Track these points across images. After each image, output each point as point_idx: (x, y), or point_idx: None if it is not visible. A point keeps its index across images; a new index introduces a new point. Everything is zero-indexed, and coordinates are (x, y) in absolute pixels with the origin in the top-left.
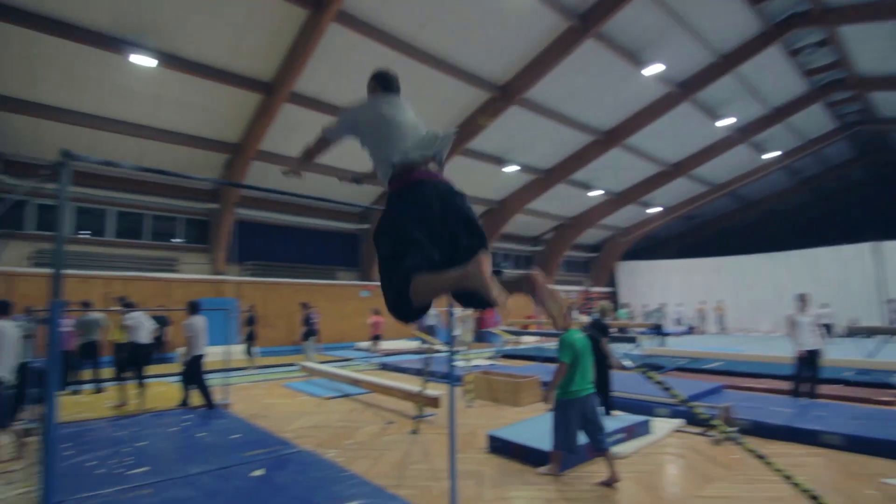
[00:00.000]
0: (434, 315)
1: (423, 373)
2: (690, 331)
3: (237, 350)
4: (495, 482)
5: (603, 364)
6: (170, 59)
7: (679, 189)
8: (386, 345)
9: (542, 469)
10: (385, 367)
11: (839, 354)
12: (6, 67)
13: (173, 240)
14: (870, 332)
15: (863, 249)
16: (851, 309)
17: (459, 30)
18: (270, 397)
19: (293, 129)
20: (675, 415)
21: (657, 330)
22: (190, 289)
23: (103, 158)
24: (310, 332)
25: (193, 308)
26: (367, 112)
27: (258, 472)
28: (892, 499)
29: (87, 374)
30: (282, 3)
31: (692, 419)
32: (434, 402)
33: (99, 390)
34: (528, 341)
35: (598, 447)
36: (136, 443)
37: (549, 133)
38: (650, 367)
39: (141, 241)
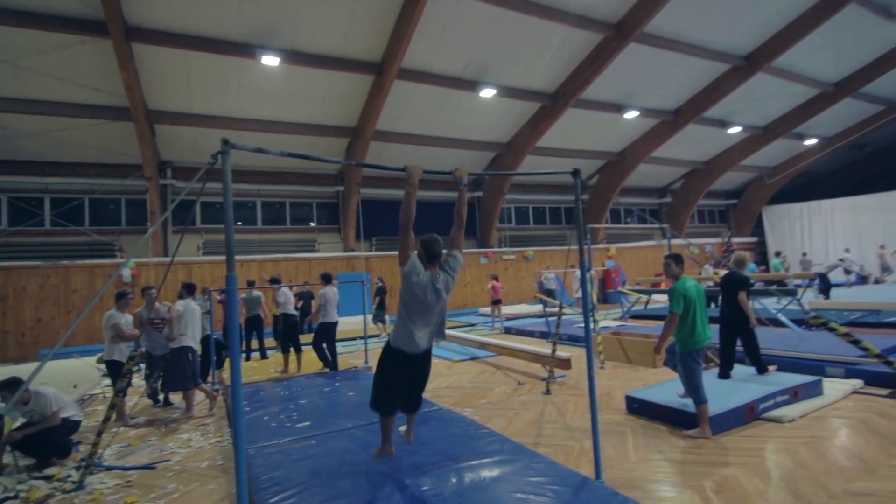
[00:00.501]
0: (553, 278)
1: (548, 335)
2: (864, 280)
3: (369, 319)
4: (637, 444)
5: (743, 322)
6: (291, 55)
7: (844, 113)
8: (508, 309)
9: (692, 432)
10: (508, 330)
11: None
12: (166, 86)
13: (310, 223)
14: None
15: None
16: None
17: None
18: None
19: (405, 106)
20: (850, 374)
21: (821, 280)
22: (327, 265)
23: (255, 146)
24: None
25: (326, 279)
26: (411, 277)
27: (404, 427)
28: None
29: (253, 343)
30: None
31: (872, 379)
32: (565, 363)
33: (264, 357)
34: (659, 300)
35: None
36: (298, 401)
37: (676, 68)
38: (805, 322)
39: (284, 227)
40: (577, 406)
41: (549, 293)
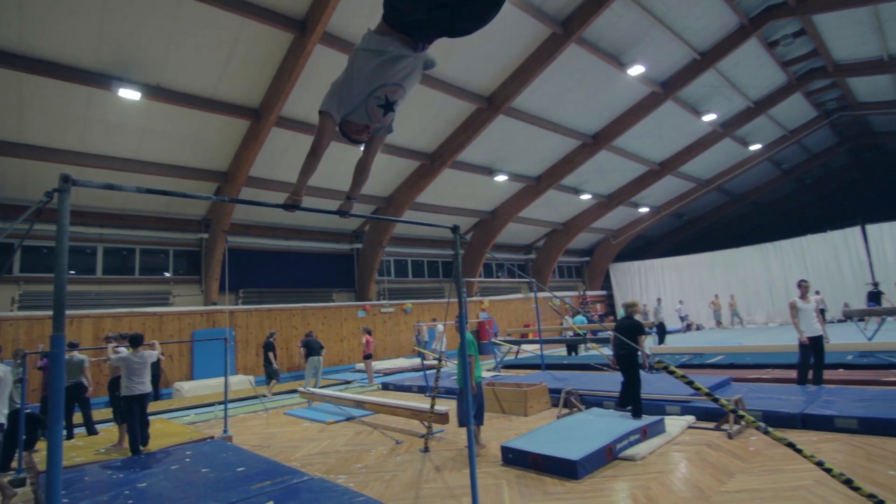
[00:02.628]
0: (435, 329)
1: (426, 390)
2: (688, 328)
3: (234, 381)
4: (513, 496)
5: (633, 365)
6: (155, 91)
7: (667, 187)
8: (386, 364)
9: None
10: (386, 386)
11: (837, 339)
12: None
13: (165, 273)
14: (864, 315)
15: (851, 234)
16: (843, 294)
17: (444, 44)
18: (272, 426)
19: (283, 153)
20: (685, 412)
21: (659, 329)
22: (183, 321)
23: (104, 182)
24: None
25: (135, 342)
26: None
27: None
28: None
29: (76, 417)
30: (268, 28)
31: (702, 415)
32: (443, 418)
33: (92, 432)
34: (529, 350)
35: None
36: (136, 484)
37: (537, 140)
38: (651, 366)
39: (132, 277)
40: (456, 462)
41: (425, 346)
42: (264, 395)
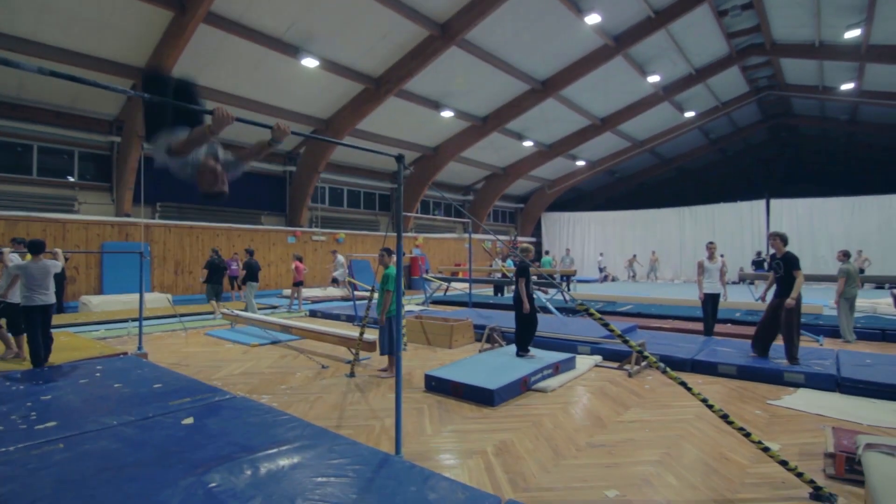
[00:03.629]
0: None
1: (358, 319)
2: (605, 279)
3: (150, 298)
4: (433, 418)
5: (516, 304)
6: None
7: (605, 144)
8: (314, 292)
9: (383, 373)
10: (314, 314)
11: (731, 299)
12: None
13: (69, 177)
14: (754, 279)
15: (757, 206)
16: (741, 260)
17: None
18: (191, 346)
19: (211, 56)
20: (594, 351)
21: (568, 277)
22: (90, 231)
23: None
24: (248, 278)
25: (35, 248)
26: None
27: (188, 420)
28: (776, 416)
29: None
30: None
31: (609, 356)
32: (371, 346)
33: None
34: (458, 288)
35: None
36: (40, 397)
37: (488, 79)
38: (569, 311)
39: (28, 177)
40: (380, 387)
41: (334, 280)
42: (199, 314)
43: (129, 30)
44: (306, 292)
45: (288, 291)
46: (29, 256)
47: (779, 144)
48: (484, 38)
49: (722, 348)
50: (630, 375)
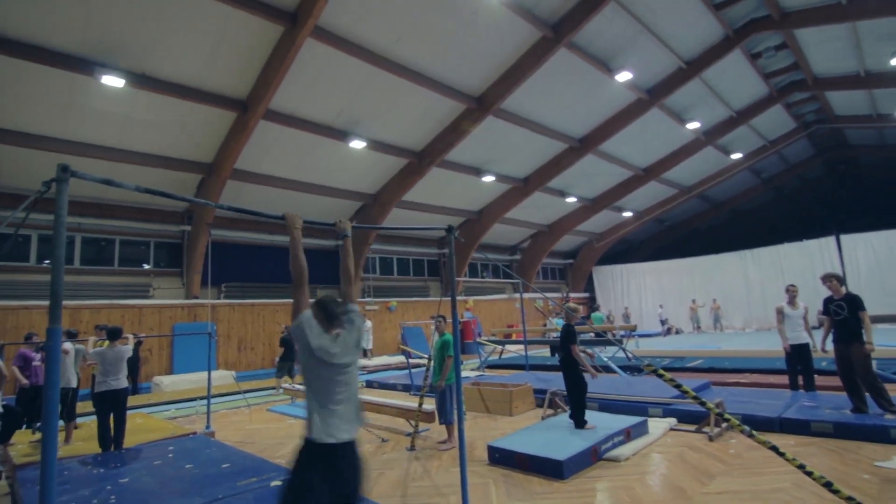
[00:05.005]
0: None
1: (410, 388)
2: (668, 332)
3: (216, 376)
4: (500, 494)
5: (573, 372)
6: (140, 79)
7: (650, 193)
8: (369, 361)
9: (443, 445)
10: (370, 384)
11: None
12: None
13: (145, 265)
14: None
15: (826, 244)
16: (817, 302)
17: (435, 43)
18: (255, 423)
19: (269, 147)
20: (666, 413)
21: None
22: (163, 314)
23: (87, 173)
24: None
25: (113, 335)
26: (307, 334)
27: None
28: (888, 481)
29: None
30: (257, 19)
31: (684, 417)
32: (429, 416)
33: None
34: (513, 350)
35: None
36: (118, 479)
37: (525, 142)
38: (634, 368)
39: (111, 268)
40: (442, 461)
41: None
42: (257, 390)
43: (198, 131)
44: (362, 361)
45: None
46: (106, 343)
47: (838, 177)
48: (518, 105)
49: (812, 403)
50: (711, 439)
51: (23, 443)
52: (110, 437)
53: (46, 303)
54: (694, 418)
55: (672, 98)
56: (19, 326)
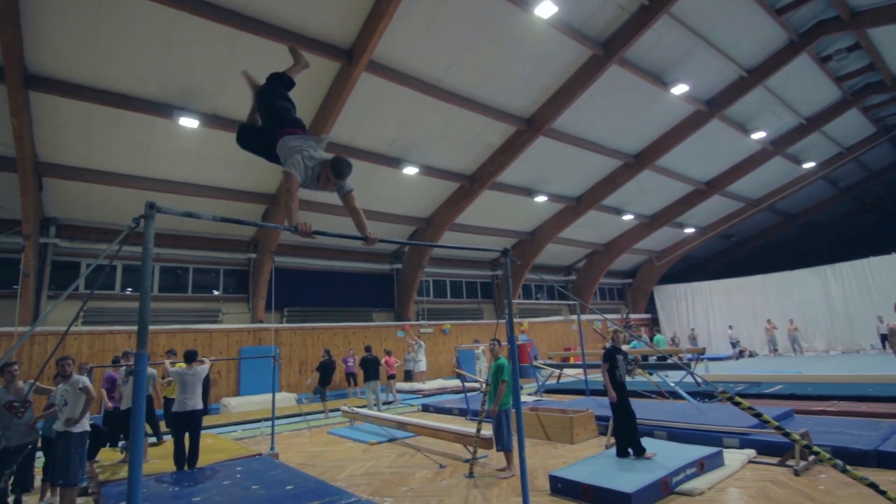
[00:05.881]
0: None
1: (467, 412)
2: (741, 354)
3: (279, 398)
4: None
5: (618, 397)
6: (212, 119)
7: (714, 207)
8: (424, 385)
9: (502, 472)
10: (426, 408)
11: None
12: (63, 137)
13: (215, 291)
14: None
15: None
16: None
17: (484, 68)
18: (316, 445)
19: None
20: (744, 444)
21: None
22: (231, 338)
23: (184, 210)
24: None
25: (187, 357)
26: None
27: None
28: None
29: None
30: (317, 58)
31: (763, 448)
32: (487, 442)
33: (158, 442)
34: (571, 374)
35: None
36: (192, 498)
37: (578, 160)
38: (704, 395)
39: (185, 295)
40: (502, 489)
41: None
42: (318, 413)
43: (262, 164)
44: (417, 386)
45: (402, 385)
46: (182, 364)
47: None
48: (570, 125)
49: None
50: (797, 473)
51: (108, 460)
52: (185, 456)
53: (130, 328)
54: (776, 450)
55: (734, 108)
56: (105, 349)
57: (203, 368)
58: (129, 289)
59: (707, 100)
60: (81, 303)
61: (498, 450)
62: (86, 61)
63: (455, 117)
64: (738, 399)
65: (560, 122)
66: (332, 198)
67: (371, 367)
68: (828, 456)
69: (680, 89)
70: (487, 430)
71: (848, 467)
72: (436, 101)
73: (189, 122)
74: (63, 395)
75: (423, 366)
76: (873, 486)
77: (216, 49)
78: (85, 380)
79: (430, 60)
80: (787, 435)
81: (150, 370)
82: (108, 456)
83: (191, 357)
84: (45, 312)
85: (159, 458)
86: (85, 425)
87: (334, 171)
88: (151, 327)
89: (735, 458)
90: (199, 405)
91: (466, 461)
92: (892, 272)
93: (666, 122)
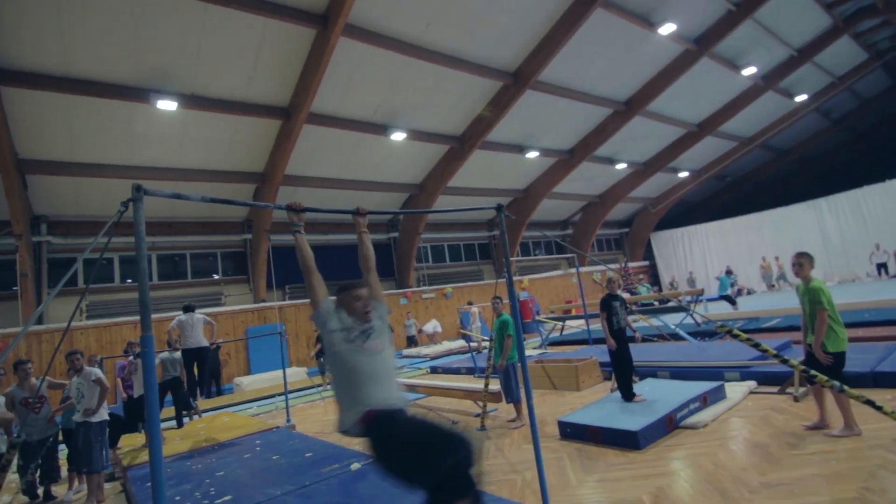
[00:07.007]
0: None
1: (474, 370)
2: (738, 293)
3: (290, 373)
4: (576, 468)
5: (617, 344)
6: (190, 100)
7: (707, 149)
8: (430, 348)
9: (513, 423)
10: (434, 370)
11: None
12: (42, 132)
13: (215, 275)
14: None
15: None
16: None
17: (465, 23)
18: (331, 414)
19: (315, 150)
20: (744, 377)
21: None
22: (236, 319)
23: (172, 192)
24: None
25: (185, 309)
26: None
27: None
28: None
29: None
30: (291, 26)
31: (764, 379)
32: (497, 396)
33: (180, 425)
34: (573, 325)
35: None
36: (215, 473)
37: (567, 112)
38: (705, 334)
39: (184, 281)
40: (514, 438)
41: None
42: (319, 385)
43: (247, 142)
44: (423, 349)
45: (410, 350)
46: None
47: None
48: (557, 75)
49: None
50: (797, 399)
51: (129, 445)
52: (195, 385)
53: (135, 318)
54: (776, 380)
55: (723, 45)
56: (113, 341)
57: (199, 317)
58: (129, 280)
59: (696, 38)
60: (80, 297)
61: (508, 402)
62: (53, 50)
63: (439, 77)
64: (736, 332)
65: (546, 73)
66: (319, 171)
67: None
68: (825, 378)
69: (668, 29)
70: (495, 385)
71: (846, 387)
72: (418, 61)
73: (167, 105)
74: (78, 387)
75: (438, 327)
76: (870, 402)
77: (186, 24)
78: (97, 371)
79: (407, 19)
80: (785, 362)
81: (178, 353)
82: (131, 441)
83: (189, 308)
84: (37, 311)
85: (180, 438)
86: (103, 414)
87: None
88: (155, 315)
89: (737, 390)
90: (204, 343)
91: (477, 416)
92: (887, 200)
93: (655, 65)
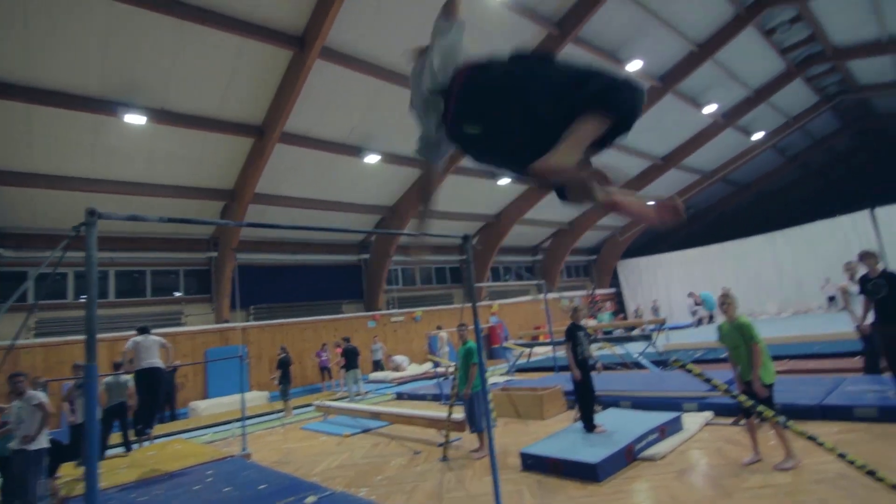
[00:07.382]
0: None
1: (440, 397)
2: (699, 322)
3: (250, 397)
4: (537, 501)
5: (585, 375)
6: (161, 115)
7: (671, 181)
8: (397, 373)
9: (476, 453)
10: (400, 395)
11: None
12: (2, 141)
13: (176, 293)
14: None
15: (861, 218)
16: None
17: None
18: (290, 441)
19: (287, 169)
20: (702, 407)
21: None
22: (196, 340)
23: (114, 210)
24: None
25: (141, 331)
26: None
27: None
28: None
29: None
30: (268, 47)
31: (721, 410)
32: (460, 425)
33: (128, 450)
34: (541, 352)
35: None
36: None
37: None
38: (666, 363)
39: (143, 299)
40: (476, 470)
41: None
42: (282, 411)
43: (218, 160)
44: (391, 375)
45: (377, 375)
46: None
47: (869, 149)
48: None
49: (856, 388)
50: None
51: (70, 475)
52: (150, 409)
53: (107, 335)
54: (731, 411)
55: (686, 82)
56: (62, 361)
57: (155, 339)
58: (83, 296)
59: (661, 75)
60: (26, 315)
61: (471, 432)
62: (17, 59)
63: (408, 103)
64: (689, 366)
65: None
66: (291, 191)
67: (352, 357)
68: (771, 413)
69: (635, 65)
70: (459, 414)
71: (789, 423)
72: (393, 86)
73: (136, 119)
74: (18, 412)
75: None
76: (812, 438)
77: (160, 41)
78: (40, 395)
79: (384, 45)
80: (734, 397)
81: (126, 377)
82: (72, 471)
83: (144, 330)
84: None
85: (127, 466)
86: (42, 442)
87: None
88: (111, 334)
89: (694, 420)
90: (159, 364)
91: (440, 445)
92: (836, 235)
93: None
